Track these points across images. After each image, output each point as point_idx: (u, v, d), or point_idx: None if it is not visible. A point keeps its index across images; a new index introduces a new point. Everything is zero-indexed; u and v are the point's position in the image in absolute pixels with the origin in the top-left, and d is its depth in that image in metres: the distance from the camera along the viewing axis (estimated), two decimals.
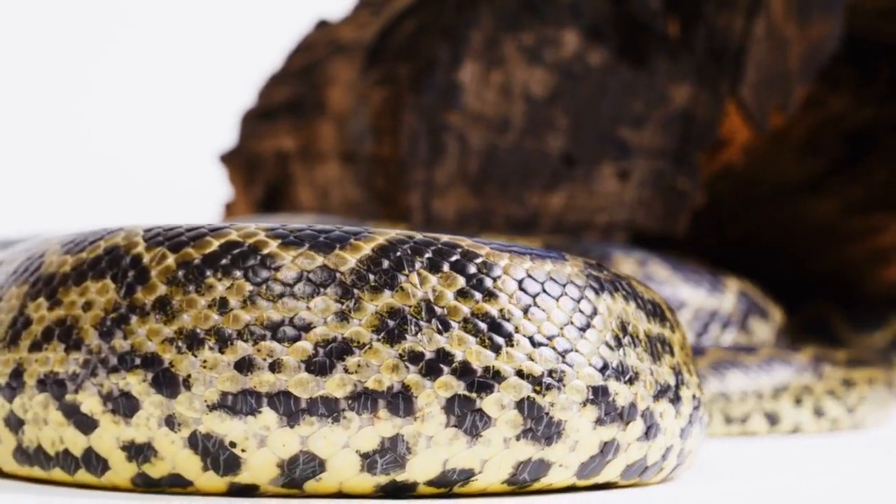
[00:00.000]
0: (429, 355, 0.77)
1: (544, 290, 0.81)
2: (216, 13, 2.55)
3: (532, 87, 1.34)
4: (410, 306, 0.78)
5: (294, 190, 1.50)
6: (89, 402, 0.78)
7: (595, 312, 0.82)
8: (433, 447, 0.78)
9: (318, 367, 0.76)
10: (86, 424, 0.78)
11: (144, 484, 0.78)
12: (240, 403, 0.76)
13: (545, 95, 1.35)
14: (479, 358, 0.78)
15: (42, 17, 2.54)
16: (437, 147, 1.33)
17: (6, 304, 0.82)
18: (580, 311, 0.81)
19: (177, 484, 0.77)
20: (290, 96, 1.52)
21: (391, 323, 0.77)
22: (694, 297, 1.25)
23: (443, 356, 0.78)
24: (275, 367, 0.76)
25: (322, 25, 1.54)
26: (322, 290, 0.78)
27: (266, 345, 0.77)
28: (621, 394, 0.81)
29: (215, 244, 0.79)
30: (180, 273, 0.78)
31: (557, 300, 0.81)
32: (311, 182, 1.48)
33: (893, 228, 1.61)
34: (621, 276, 0.87)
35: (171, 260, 0.79)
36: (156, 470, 0.77)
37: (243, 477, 0.77)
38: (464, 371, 0.78)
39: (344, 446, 0.77)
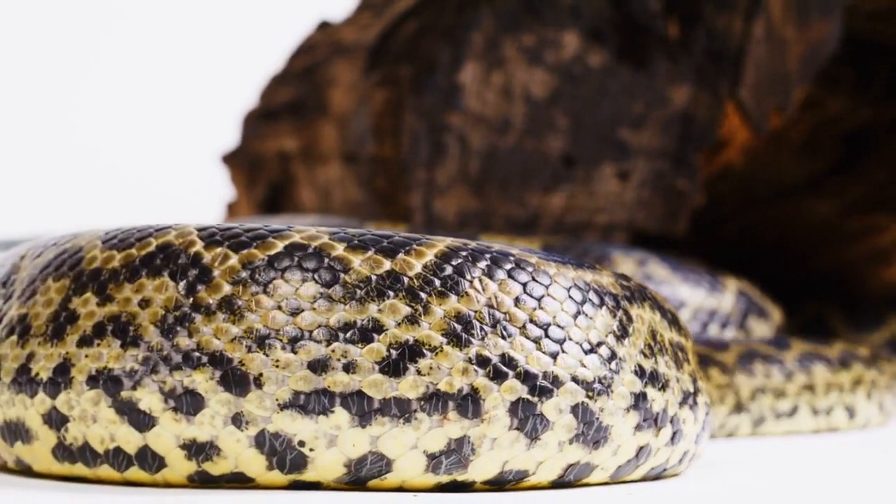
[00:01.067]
0: (495, 359, 0.79)
1: (589, 299, 0.83)
2: (218, 14, 2.55)
3: (532, 89, 1.35)
4: (475, 311, 0.80)
5: (296, 190, 1.51)
6: (148, 400, 0.78)
7: (631, 321, 0.85)
8: (495, 449, 0.79)
9: (391, 368, 0.78)
10: (142, 422, 0.77)
11: (201, 481, 0.78)
12: (312, 403, 0.77)
13: (545, 96, 1.35)
14: (540, 363, 0.80)
15: (43, 20, 2.54)
16: (437, 148, 1.34)
17: (42, 298, 0.81)
18: (619, 320, 0.84)
19: (236, 481, 0.78)
20: (292, 97, 1.52)
21: (458, 327, 0.79)
22: (693, 296, 1.25)
23: (507, 361, 0.80)
24: (349, 367, 0.77)
25: (324, 27, 1.54)
26: (392, 293, 0.79)
27: (340, 346, 0.78)
28: (657, 400, 0.84)
29: (280, 245, 0.79)
30: (245, 273, 0.79)
31: (600, 308, 0.83)
32: (313, 182, 1.48)
33: (892, 228, 1.61)
34: (643, 285, 0.90)
35: (234, 260, 0.79)
36: (216, 468, 0.78)
37: (308, 475, 0.78)
38: (527, 376, 0.80)
39: (412, 447, 0.78)
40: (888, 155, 1.60)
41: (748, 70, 1.37)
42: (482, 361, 0.79)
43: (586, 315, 0.83)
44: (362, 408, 0.77)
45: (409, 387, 0.78)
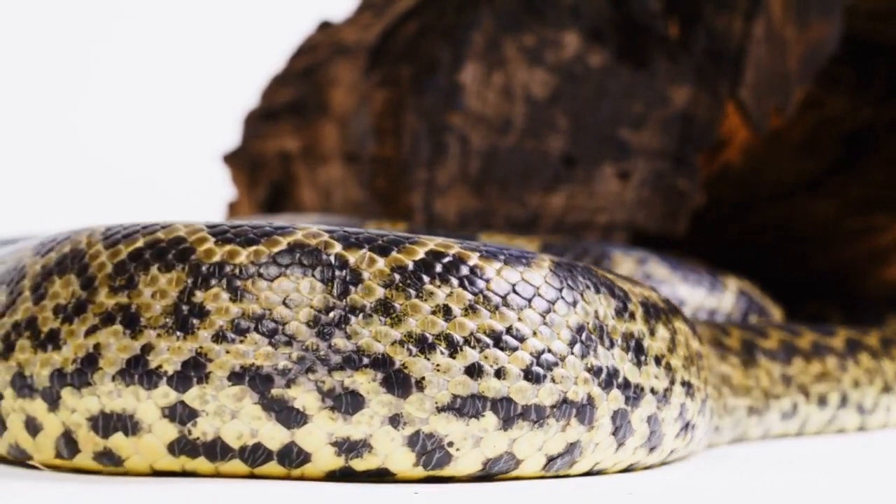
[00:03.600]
0: (604, 371, 0.85)
1: (653, 315, 0.90)
2: (219, 14, 2.56)
3: (533, 89, 1.35)
4: (588, 324, 0.85)
5: (297, 190, 1.51)
6: (304, 398, 0.79)
7: (676, 333, 0.92)
8: (596, 452, 0.85)
9: (534, 376, 0.82)
10: (293, 419, 0.78)
11: (342, 476, 0.80)
12: (467, 406, 0.80)
13: (546, 96, 1.35)
14: (632, 374, 0.86)
15: (44, 20, 2.54)
16: (438, 148, 1.34)
17: (147, 289, 0.80)
18: (672, 334, 0.91)
19: (375, 476, 0.80)
20: (293, 97, 1.52)
21: (580, 338, 0.84)
22: (693, 295, 1.25)
23: (612, 371, 0.85)
24: (500, 374, 0.81)
25: (324, 27, 1.54)
26: (529, 304, 0.83)
27: (491, 352, 0.81)
28: (691, 409, 0.91)
29: (420, 252, 0.82)
30: (397, 277, 0.81)
31: (658, 322, 0.90)
32: (314, 182, 1.48)
33: (892, 228, 1.61)
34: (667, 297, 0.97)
35: (382, 264, 0.81)
36: (363, 464, 0.80)
37: (446, 472, 0.81)
38: (625, 385, 0.86)
39: (539, 449, 0.83)
40: (888, 155, 1.60)
41: (748, 70, 1.37)
42: (596, 371, 0.84)
43: (651, 330, 0.89)
44: (508, 412, 0.81)
45: (546, 394, 0.82)
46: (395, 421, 0.79)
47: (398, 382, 0.79)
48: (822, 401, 1.18)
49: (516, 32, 1.35)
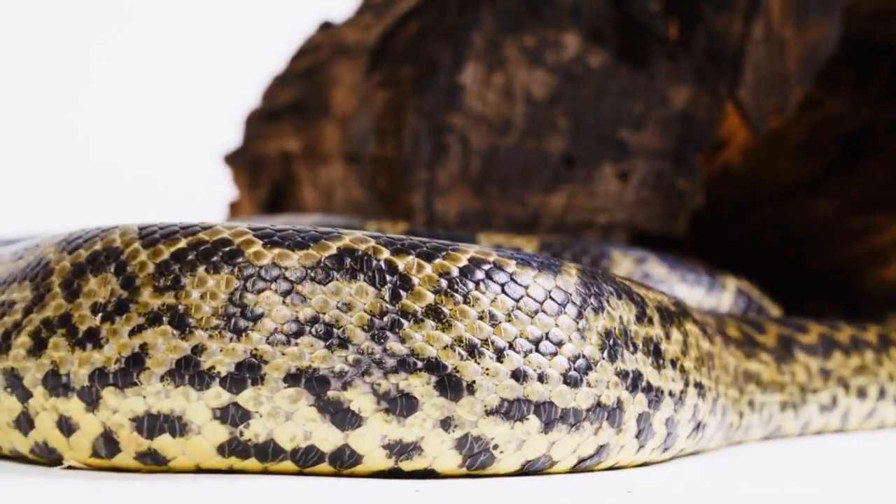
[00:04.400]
0: (631, 374, 0.87)
1: (667, 318, 0.93)
2: (220, 15, 2.56)
3: (533, 89, 1.35)
4: (615, 329, 0.87)
5: (298, 190, 1.51)
6: (360, 401, 0.79)
7: (687, 335, 0.94)
8: (620, 454, 0.88)
9: (572, 380, 0.84)
10: (348, 421, 0.79)
11: (391, 476, 0.81)
12: (514, 410, 0.82)
13: (546, 97, 1.36)
14: (654, 378, 0.88)
15: (45, 20, 2.54)
16: (439, 148, 1.34)
17: (195, 290, 0.81)
18: (684, 336, 0.94)
19: (420, 476, 0.82)
20: (294, 97, 1.52)
21: (608, 343, 0.86)
22: (691, 295, 1.26)
23: (637, 375, 0.87)
24: (542, 378, 0.83)
25: (325, 27, 1.55)
26: (563, 309, 0.85)
27: (534, 357, 0.83)
28: (702, 410, 0.94)
29: (463, 259, 0.83)
30: (444, 283, 0.82)
31: (672, 326, 0.93)
32: (315, 182, 1.49)
33: (891, 228, 1.62)
34: (678, 299, 0.99)
35: (429, 269, 0.82)
36: (411, 465, 0.81)
37: (487, 472, 0.83)
38: (648, 389, 0.88)
39: (573, 451, 0.85)
40: (888, 155, 1.60)
41: (748, 70, 1.37)
42: (624, 375, 0.86)
43: (668, 335, 0.92)
44: (549, 415, 0.83)
45: (583, 398, 0.84)
46: (446, 424, 0.81)
47: (451, 386, 0.80)
48: (862, 393, 1.19)
49: (517, 33, 1.35)
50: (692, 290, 1.25)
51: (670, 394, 0.90)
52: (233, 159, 1.59)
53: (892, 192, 1.60)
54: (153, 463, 0.80)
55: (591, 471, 0.87)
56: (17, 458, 0.85)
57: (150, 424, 0.80)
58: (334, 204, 1.46)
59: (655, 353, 0.90)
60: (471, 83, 1.34)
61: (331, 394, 0.79)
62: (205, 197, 2.03)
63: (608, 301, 0.87)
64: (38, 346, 0.82)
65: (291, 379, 0.79)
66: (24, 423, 0.82)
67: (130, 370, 0.80)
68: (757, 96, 1.38)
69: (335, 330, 0.80)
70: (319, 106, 1.48)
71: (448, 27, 1.35)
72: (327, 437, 0.79)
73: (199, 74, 2.52)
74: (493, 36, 1.35)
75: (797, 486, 0.84)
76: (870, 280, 1.63)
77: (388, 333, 0.80)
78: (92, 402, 0.80)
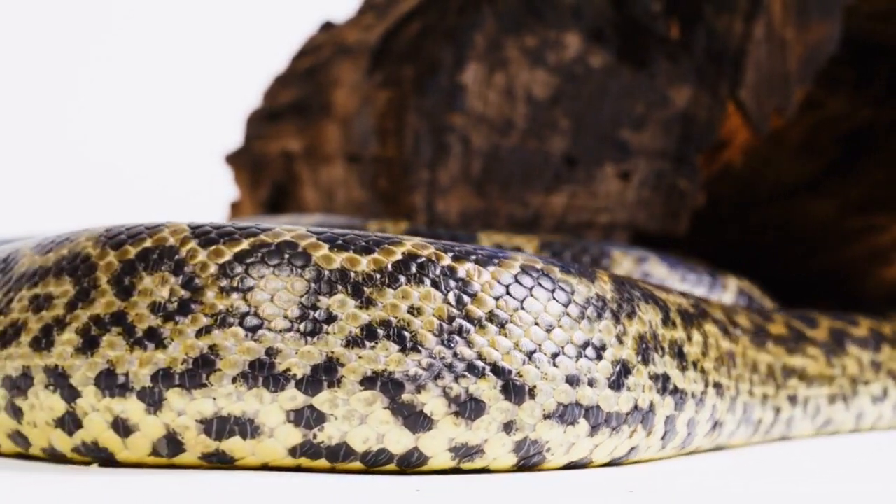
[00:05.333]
0: (660, 378, 0.89)
1: (688, 321, 0.95)
2: (222, 15, 2.56)
3: (534, 89, 1.35)
4: (646, 333, 0.89)
5: (299, 190, 1.51)
6: (433, 404, 0.81)
7: (707, 337, 0.97)
8: (646, 454, 0.90)
9: (615, 384, 0.86)
10: (420, 424, 0.80)
11: (448, 473, 0.83)
12: (567, 414, 0.84)
13: (547, 97, 1.36)
14: (679, 380, 0.91)
15: (46, 21, 2.54)
16: (440, 148, 1.34)
17: (267, 292, 0.81)
18: (704, 338, 0.96)
19: (474, 472, 0.83)
20: (296, 98, 1.52)
21: (643, 346, 0.88)
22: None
23: (665, 378, 0.90)
24: (592, 383, 0.85)
25: (327, 27, 1.55)
26: (603, 314, 0.87)
27: (584, 363, 0.85)
28: (720, 409, 0.96)
29: (515, 266, 0.85)
30: (500, 289, 0.84)
31: (692, 328, 0.95)
32: (317, 182, 1.49)
33: (892, 228, 1.62)
34: (698, 298, 1.02)
35: (488, 276, 0.84)
36: (470, 465, 0.83)
37: (534, 470, 0.85)
38: (674, 391, 0.90)
39: (610, 453, 0.87)
40: (888, 155, 1.60)
41: (748, 71, 1.37)
42: (655, 378, 0.89)
43: (690, 337, 0.94)
44: (596, 419, 0.85)
45: (624, 402, 0.86)
46: (508, 427, 0.82)
47: (515, 390, 0.82)
48: None
49: (518, 33, 1.35)
50: (693, 291, 1.26)
51: (692, 395, 0.92)
52: (234, 159, 1.59)
53: (893, 192, 1.60)
54: (218, 462, 0.80)
55: (587, 467, 0.89)
56: (29, 457, 0.85)
57: (220, 427, 0.79)
58: (335, 204, 1.46)
59: (680, 356, 0.91)
60: (472, 83, 1.34)
61: (405, 397, 0.80)
62: (206, 197, 2.03)
63: (639, 306, 0.89)
64: (88, 344, 0.81)
65: (367, 382, 0.80)
66: (70, 422, 0.81)
67: (199, 371, 0.79)
68: (758, 96, 1.38)
69: (406, 333, 0.80)
70: (321, 106, 1.49)
71: (449, 27, 1.35)
72: (399, 440, 0.80)
73: (201, 74, 2.52)
74: (495, 36, 1.35)
75: (797, 486, 0.84)
76: (870, 280, 1.63)
77: (457, 338, 0.81)
78: (154, 403, 0.79)
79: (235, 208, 1.62)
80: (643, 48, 1.37)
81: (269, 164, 1.55)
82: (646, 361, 0.88)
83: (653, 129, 1.37)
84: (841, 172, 1.61)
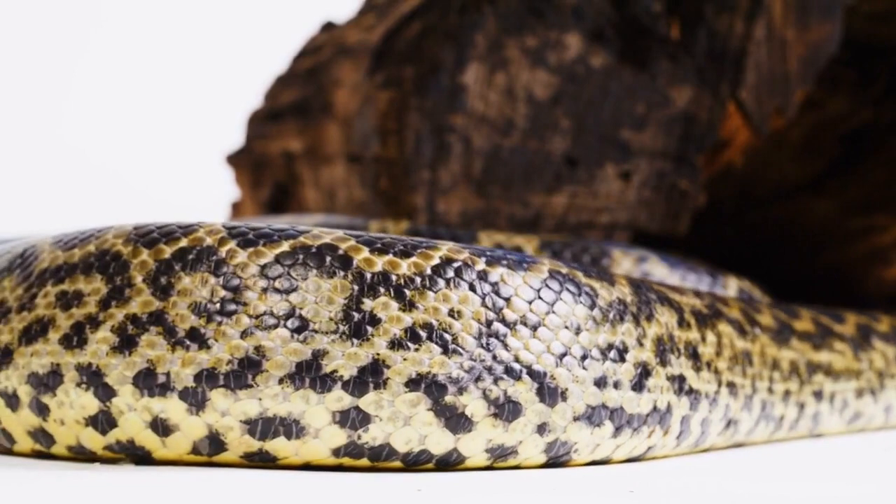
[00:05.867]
0: (676, 379, 0.91)
1: (701, 322, 0.97)
2: (223, 15, 2.56)
3: (535, 90, 1.36)
4: (664, 335, 0.91)
5: (301, 190, 1.52)
6: (474, 406, 0.82)
7: (721, 336, 0.98)
8: (662, 451, 0.92)
9: (637, 386, 0.88)
10: (460, 426, 0.82)
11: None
12: (595, 416, 0.86)
13: (548, 97, 1.36)
14: (693, 381, 0.93)
15: (47, 21, 2.54)
16: (441, 148, 1.34)
17: (311, 296, 0.81)
18: (718, 338, 0.98)
19: (504, 469, 0.85)
20: (297, 98, 1.53)
21: (661, 348, 0.90)
22: None
23: (682, 379, 0.92)
24: (617, 385, 0.87)
25: (328, 28, 1.55)
26: (625, 317, 0.89)
27: (609, 365, 0.86)
28: (733, 407, 0.98)
29: (545, 271, 0.86)
30: (532, 293, 0.85)
31: (706, 328, 0.97)
32: (318, 183, 1.49)
33: (892, 228, 1.62)
34: (714, 296, 1.04)
35: (520, 280, 0.85)
36: (503, 464, 0.84)
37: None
38: (689, 392, 0.92)
39: (629, 453, 0.89)
40: (888, 155, 1.60)
41: (749, 71, 1.38)
42: (672, 379, 0.91)
43: (704, 338, 0.96)
44: (620, 420, 0.87)
45: (645, 403, 0.88)
46: (542, 429, 0.83)
47: (549, 392, 0.83)
48: None
49: (519, 34, 1.35)
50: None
51: (706, 395, 0.93)
52: (235, 159, 1.60)
53: (893, 192, 1.61)
54: (260, 461, 0.81)
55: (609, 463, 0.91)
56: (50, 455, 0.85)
57: (265, 428, 0.79)
58: (336, 204, 1.46)
59: (694, 356, 0.93)
60: (473, 83, 1.35)
61: (448, 399, 0.81)
62: (207, 197, 2.04)
63: (655, 308, 0.91)
64: (125, 344, 0.81)
65: (412, 384, 0.80)
66: (103, 421, 0.81)
67: (245, 372, 0.79)
68: (758, 97, 1.38)
69: (448, 336, 0.81)
70: (322, 106, 1.49)
71: (450, 28, 1.35)
72: (440, 441, 0.81)
73: (202, 75, 2.52)
74: (496, 36, 1.35)
75: (798, 486, 0.84)
76: (871, 280, 1.64)
77: (494, 341, 0.82)
78: (197, 403, 0.79)
79: (236, 208, 1.63)
80: (644, 49, 1.37)
81: (270, 164, 1.55)
82: (663, 363, 0.90)
83: (653, 130, 1.37)
84: (841, 173, 1.61)
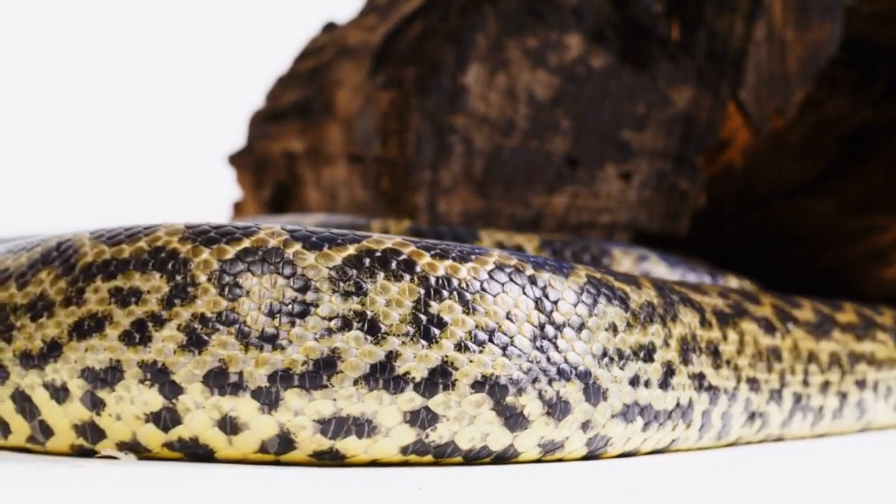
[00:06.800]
0: (697, 376, 0.95)
1: (723, 321, 1.00)
2: (225, 16, 2.56)
3: (536, 90, 1.36)
4: (687, 335, 0.95)
5: (302, 191, 1.52)
6: (531, 406, 0.85)
7: (744, 335, 1.02)
8: (685, 444, 0.96)
9: (663, 384, 0.92)
10: (518, 424, 0.85)
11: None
12: (630, 413, 0.90)
13: (549, 98, 1.36)
14: (713, 378, 0.97)
15: (49, 22, 2.54)
16: (442, 148, 1.35)
17: (380, 297, 0.82)
18: (740, 336, 1.02)
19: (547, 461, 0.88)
20: (298, 98, 1.53)
21: (684, 348, 0.94)
22: None
23: (702, 376, 0.96)
24: (647, 383, 0.91)
25: (329, 28, 1.55)
26: (654, 318, 0.93)
27: (640, 364, 0.90)
28: (755, 402, 1.02)
29: (583, 274, 0.90)
30: (574, 297, 0.88)
31: (728, 327, 1.01)
32: (319, 183, 1.49)
33: (892, 228, 1.62)
34: (737, 292, 1.07)
35: (566, 285, 0.88)
36: (548, 457, 0.88)
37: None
38: (709, 388, 0.96)
39: (654, 446, 0.93)
40: (888, 155, 1.61)
41: (749, 72, 1.38)
42: (693, 377, 0.94)
43: (725, 337, 0.99)
44: (649, 416, 0.91)
45: (670, 401, 0.92)
46: (585, 426, 0.87)
47: (593, 392, 0.87)
48: None
49: (519, 34, 1.35)
50: None
51: (724, 391, 0.97)
52: (237, 160, 1.60)
53: (893, 193, 1.61)
54: (329, 460, 0.82)
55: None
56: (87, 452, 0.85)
57: (337, 427, 0.81)
58: (338, 204, 1.46)
59: (715, 354, 0.97)
60: (474, 84, 1.35)
61: (508, 399, 0.84)
62: (209, 197, 2.04)
63: (679, 309, 0.95)
64: (194, 342, 0.81)
65: (477, 385, 0.83)
66: (167, 419, 0.81)
67: (321, 373, 0.81)
68: (758, 97, 1.39)
69: (505, 337, 0.84)
70: (323, 107, 1.49)
71: (451, 28, 1.36)
72: (499, 439, 0.85)
73: (203, 75, 2.52)
74: (496, 37, 1.35)
75: (799, 485, 0.84)
76: (871, 280, 1.64)
77: (547, 344, 0.86)
78: (270, 403, 0.80)
79: (238, 208, 1.63)
80: (644, 49, 1.37)
81: (271, 164, 1.55)
82: (686, 362, 0.94)
83: (654, 130, 1.37)
84: (841, 173, 1.62)
